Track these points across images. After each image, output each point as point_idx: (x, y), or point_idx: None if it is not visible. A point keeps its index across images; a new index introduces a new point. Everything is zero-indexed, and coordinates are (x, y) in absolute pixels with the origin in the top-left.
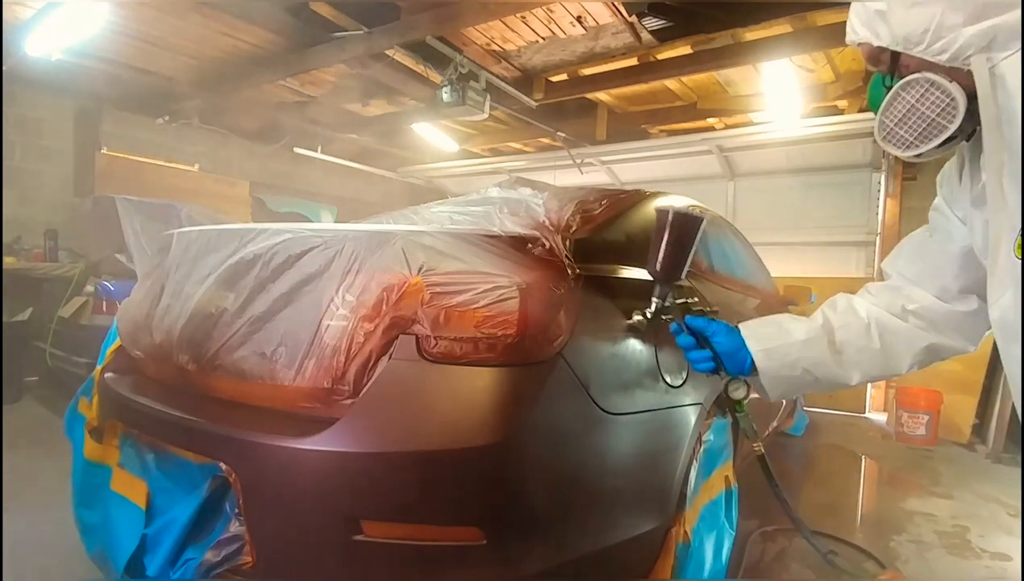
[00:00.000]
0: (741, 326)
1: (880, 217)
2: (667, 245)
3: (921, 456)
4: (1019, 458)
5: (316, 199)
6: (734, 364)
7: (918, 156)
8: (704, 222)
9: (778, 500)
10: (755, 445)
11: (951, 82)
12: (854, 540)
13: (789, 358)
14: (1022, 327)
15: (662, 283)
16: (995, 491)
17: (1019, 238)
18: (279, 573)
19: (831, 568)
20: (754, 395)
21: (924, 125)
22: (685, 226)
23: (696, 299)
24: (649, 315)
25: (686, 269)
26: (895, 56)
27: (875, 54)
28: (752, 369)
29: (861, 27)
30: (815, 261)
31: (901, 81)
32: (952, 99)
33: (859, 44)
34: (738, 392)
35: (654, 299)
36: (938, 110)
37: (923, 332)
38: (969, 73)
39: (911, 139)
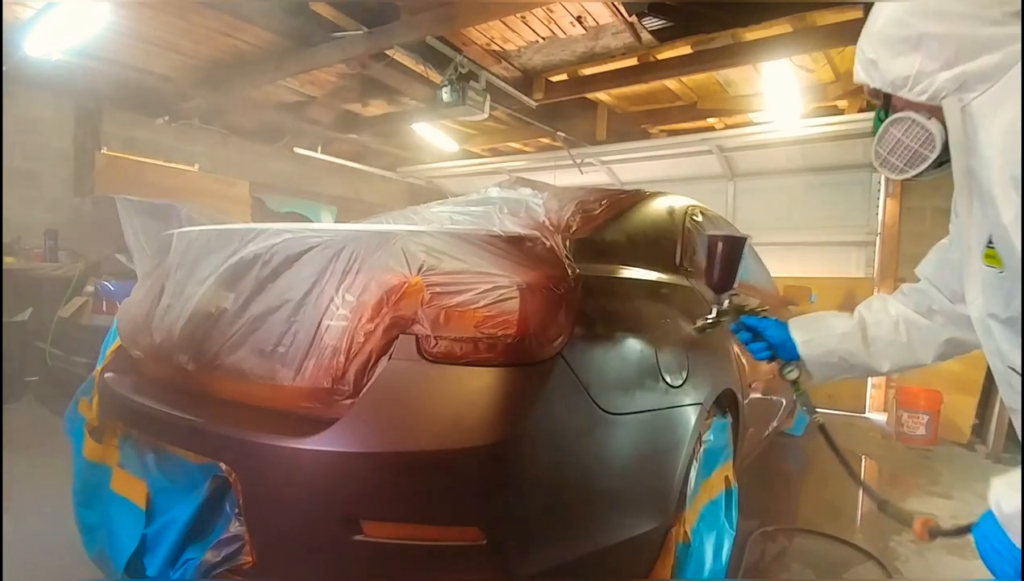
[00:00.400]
0: (789, 321)
1: (880, 217)
2: (719, 263)
3: (921, 456)
4: (1019, 458)
5: (316, 199)
6: (784, 352)
7: (910, 178)
8: (748, 240)
9: (846, 468)
10: (816, 418)
11: (930, 119)
12: (854, 540)
13: (827, 347)
14: (1022, 336)
15: (718, 292)
16: None
17: (986, 249)
18: (279, 573)
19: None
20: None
21: (910, 155)
22: (733, 246)
23: (749, 302)
24: (711, 319)
25: (737, 280)
26: (887, 95)
27: (873, 92)
28: (799, 355)
29: (861, 71)
30: (815, 261)
31: (890, 117)
32: (930, 133)
33: (862, 83)
34: (791, 374)
35: (713, 307)
36: (920, 142)
37: (944, 328)
38: None
39: (901, 165)
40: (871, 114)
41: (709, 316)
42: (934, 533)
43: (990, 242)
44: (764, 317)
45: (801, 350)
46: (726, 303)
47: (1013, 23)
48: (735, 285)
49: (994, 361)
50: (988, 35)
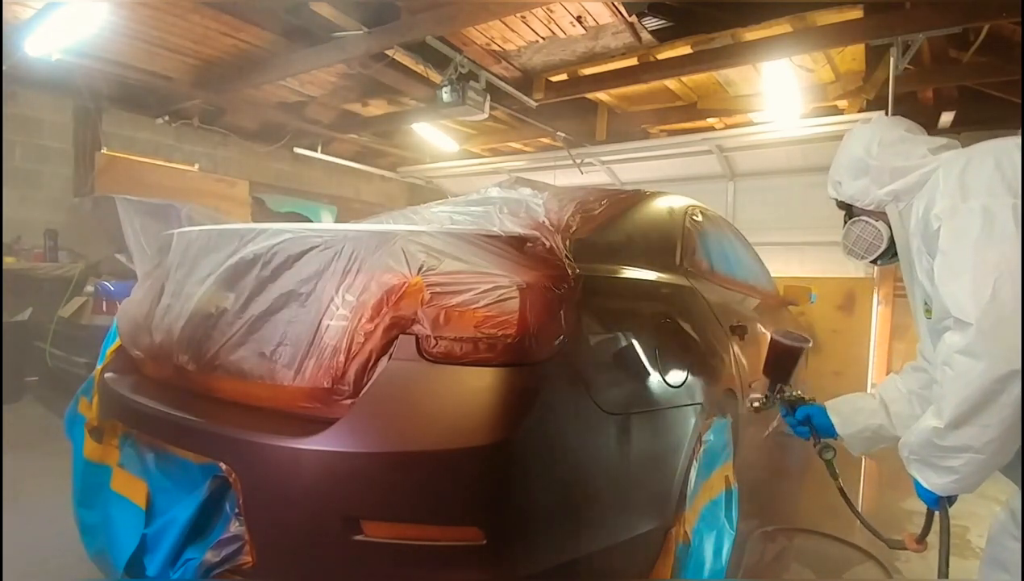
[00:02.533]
0: (826, 404)
1: None
2: (778, 362)
3: None
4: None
5: (316, 199)
6: (824, 431)
7: (875, 262)
8: (808, 346)
9: (849, 507)
10: (837, 483)
11: (878, 221)
12: (854, 540)
13: (860, 425)
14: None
15: (772, 382)
16: (995, 491)
17: (925, 306)
18: (279, 573)
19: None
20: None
21: (866, 246)
22: (791, 352)
23: (799, 393)
24: (763, 402)
25: (792, 377)
26: (849, 205)
27: (840, 203)
28: (836, 434)
29: (831, 188)
30: (815, 261)
31: (851, 220)
32: (879, 231)
33: (832, 198)
34: (827, 453)
35: (767, 392)
36: (872, 237)
37: None
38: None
39: (860, 253)
40: (871, 114)
41: (762, 398)
42: (920, 537)
43: (926, 301)
44: (809, 404)
45: (839, 429)
46: (779, 392)
47: (924, 161)
48: (789, 381)
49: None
50: (907, 166)
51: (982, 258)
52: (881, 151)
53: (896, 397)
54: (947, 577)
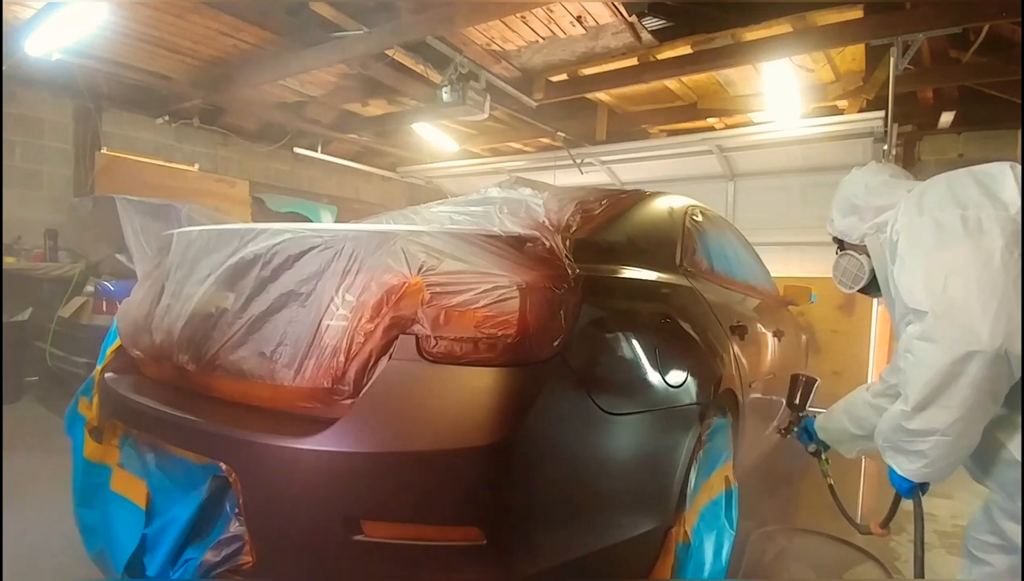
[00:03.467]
0: (816, 417)
1: None
2: (799, 393)
3: None
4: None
5: (316, 199)
6: (815, 437)
7: (855, 291)
8: (817, 383)
9: (847, 519)
10: (828, 480)
11: (862, 255)
12: (854, 540)
13: (830, 434)
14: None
15: (793, 411)
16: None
17: (906, 324)
18: (279, 573)
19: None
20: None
21: (851, 277)
22: (808, 385)
23: (808, 412)
24: (788, 427)
25: (808, 403)
26: (841, 241)
27: (834, 240)
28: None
29: (828, 226)
30: (815, 261)
31: (840, 254)
32: (862, 264)
33: (829, 233)
34: (811, 448)
35: (790, 420)
36: (857, 268)
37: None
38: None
39: (848, 283)
40: (871, 114)
41: (786, 426)
42: (884, 523)
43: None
44: (809, 418)
45: (820, 435)
46: (799, 418)
47: (895, 200)
48: (806, 408)
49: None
50: (888, 203)
51: (934, 260)
52: (867, 194)
53: (855, 403)
54: (922, 576)
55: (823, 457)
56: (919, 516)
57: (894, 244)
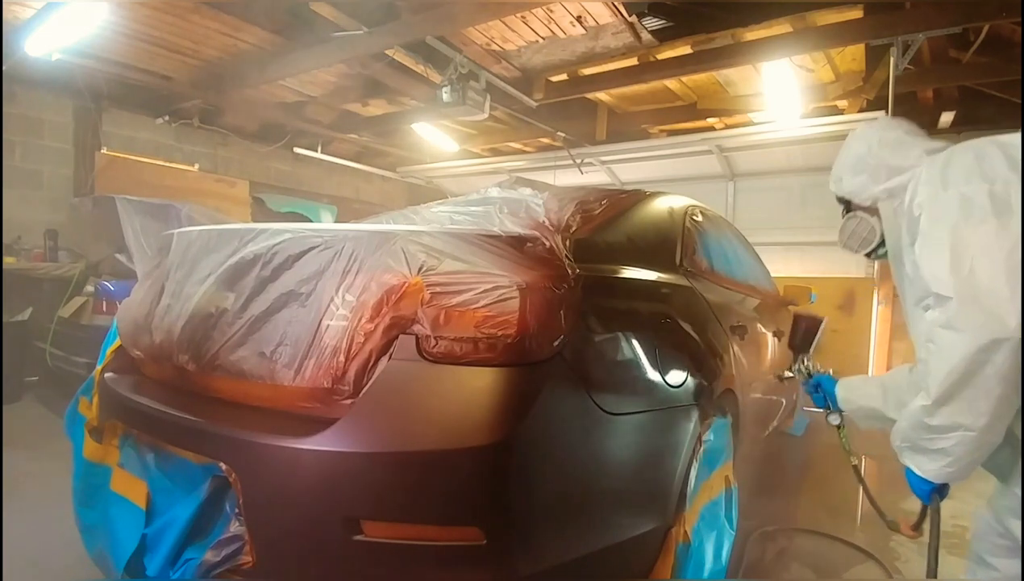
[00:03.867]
0: (839, 381)
1: None
2: (801, 334)
3: None
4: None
5: (316, 199)
6: (835, 404)
7: (869, 256)
8: (824, 322)
9: (872, 504)
10: (852, 459)
11: (873, 217)
12: (854, 540)
13: (855, 404)
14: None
15: (796, 353)
16: (993, 491)
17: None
18: (279, 573)
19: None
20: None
21: (859, 240)
22: (811, 324)
23: (818, 365)
24: (791, 374)
25: (813, 346)
26: (848, 201)
27: (840, 198)
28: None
29: (833, 184)
30: (815, 261)
31: (848, 215)
32: (872, 226)
33: (834, 192)
34: (833, 418)
35: (793, 364)
36: (866, 231)
37: None
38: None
39: (855, 247)
40: (871, 114)
41: (790, 370)
42: (916, 525)
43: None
44: (825, 375)
45: (840, 403)
46: (804, 362)
47: (918, 162)
48: (810, 350)
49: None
50: (903, 165)
51: (960, 238)
52: (880, 150)
53: (899, 384)
54: (935, 576)
55: (843, 428)
56: (936, 521)
57: (915, 219)
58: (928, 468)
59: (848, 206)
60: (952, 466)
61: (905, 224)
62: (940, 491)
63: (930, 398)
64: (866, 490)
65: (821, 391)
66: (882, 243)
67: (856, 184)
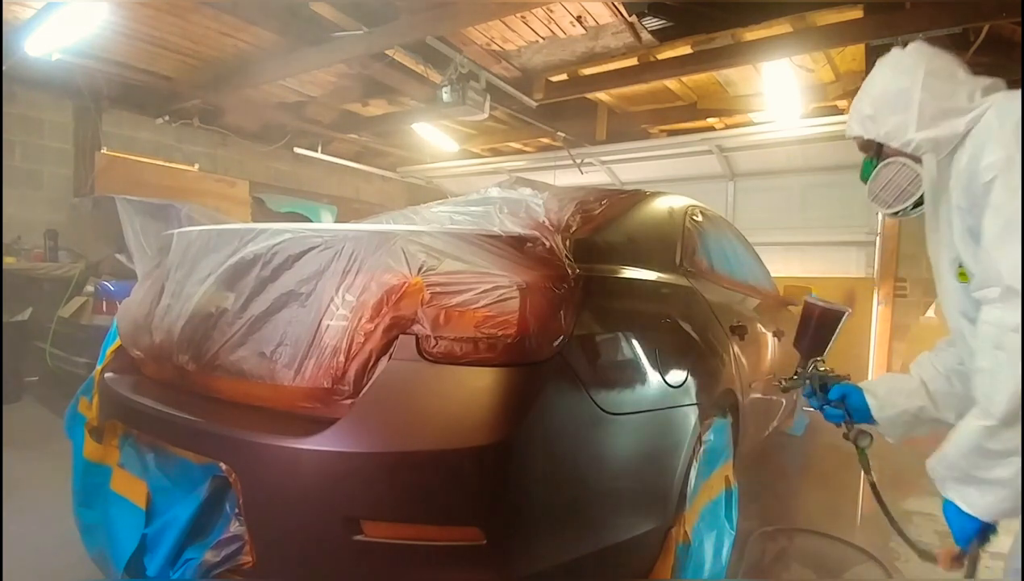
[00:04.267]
0: (862, 386)
1: (880, 217)
2: (812, 331)
3: (921, 456)
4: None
5: (316, 199)
6: (859, 416)
7: (897, 213)
8: (847, 314)
9: (891, 524)
10: (869, 477)
11: (917, 163)
12: (854, 540)
13: (899, 407)
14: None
15: (806, 358)
16: None
17: (959, 268)
18: (279, 573)
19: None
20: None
21: (899, 192)
22: (828, 318)
23: (831, 369)
24: (794, 381)
25: (828, 349)
26: (879, 145)
27: (866, 144)
28: (873, 419)
29: (857, 126)
30: (815, 261)
31: (884, 161)
32: (917, 175)
33: (854, 137)
34: (863, 440)
35: (799, 369)
36: (908, 181)
37: None
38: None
39: (890, 201)
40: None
41: (794, 378)
42: (968, 573)
43: (960, 263)
44: (846, 383)
45: (875, 414)
46: (811, 368)
47: (972, 104)
48: (824, 354)
49: (969, 362)
50: (955, 108)
51: None
52: (928, 84)
53: (933, 375)
54: None
55: (868, 444)
56: (974, 561)
57: (983, 185)
58: (979, 503)
59: (878, 151)
60: (1009, 501)
61: (963, 185)
62: (985, 531)
63: (994, 417)
64: (888, 515)
65: (844, 404)
66: (921, 198)
67: (894, 125)
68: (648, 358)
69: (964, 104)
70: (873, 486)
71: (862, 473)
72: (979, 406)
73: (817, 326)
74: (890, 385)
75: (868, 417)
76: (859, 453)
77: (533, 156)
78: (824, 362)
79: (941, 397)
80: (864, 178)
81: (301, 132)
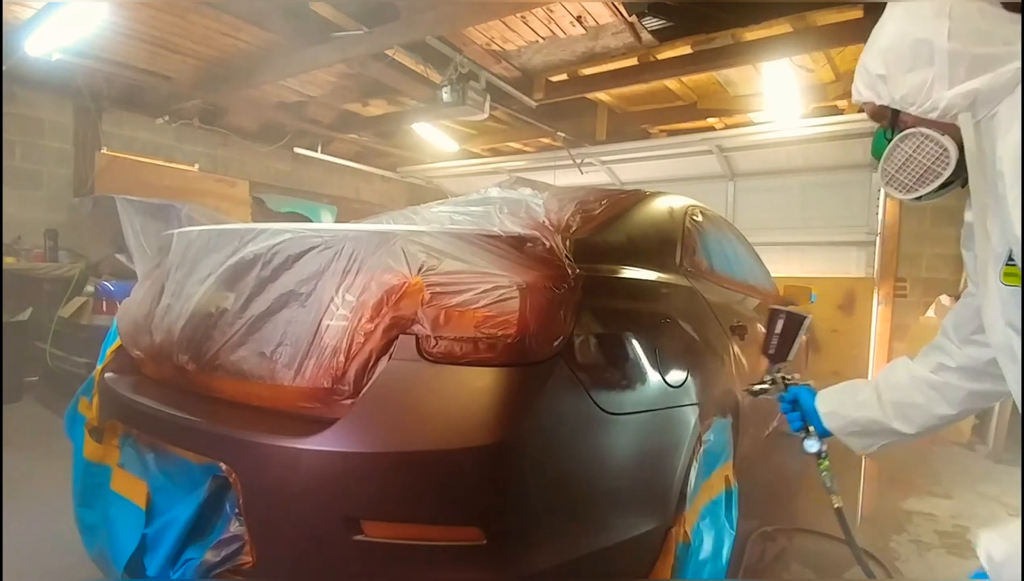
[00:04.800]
0: (819, 393)
1: (880, 217)
2: (778, 336)
3: (921, 456)
4: (1019, 458)
5: (316, 199)
6: (816, 423)
7: (917, 199)
8: (808, 320)
9: (853, 553)
10: (833, 498)
11: (943, 135)
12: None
13: (848, 418)
14: (1022, 346)
15: (772, 362)
16: (995, 491)
17: (1004, 266)
18: (279, 573)
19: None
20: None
21: (921, 172)
22: (791, 323)
23: (795, 375)
24: (762, 387)
25: (793, 353)
26: (895, 113)
27: (877, 111)
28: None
29: (865, 89)
30: (815, 261)
31: (900, 134)
32: (945, 149)
33: (864, 103)
34: (810, 445)
35: (767, 376)
36: (933, 158)
37: (960, 383)
38: (958, 127)
39: (910, 184)
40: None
41: (762, 384)
42: None
43: (1010, 260)
44: (802, 386)
45: (825, 423)
46: (778, 373)
47: (1010, 46)
48: (789, 357)
49: (1015, 388)
50: (995, 53)
51: None
52: (955, 29)
53: (897, 383)
54: None
55: (825, 459)
56: None
57: None
58: None
59: (893, 120)
60: None
61: (1010, 154)
62: None
63: None
64: (851, 542)
65: (798, 408)
66: (951, 176)
67: (914, 84)
68: (648, 358)
69: (1003, 49)
70: (838, 511)
71: (861, 473)
72: None
73: (782, 332)
74: (843, 394)
75: (820, 424)
76: (818, 462)
77: (533, 156)
78: (788, 367)
79: (896, 408)
80: (876, 154)
81: (301, 132)
